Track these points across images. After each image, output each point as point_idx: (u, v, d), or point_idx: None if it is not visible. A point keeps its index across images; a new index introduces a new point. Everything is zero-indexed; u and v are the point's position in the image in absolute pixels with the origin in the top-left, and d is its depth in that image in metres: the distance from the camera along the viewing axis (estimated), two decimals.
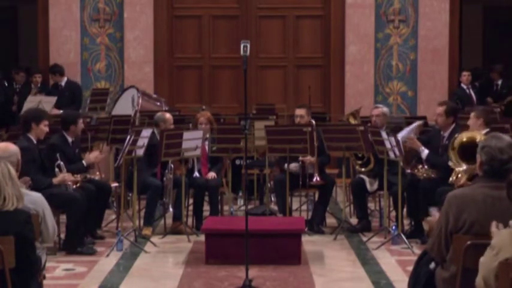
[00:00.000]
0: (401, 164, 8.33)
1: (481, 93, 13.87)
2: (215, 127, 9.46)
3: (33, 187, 7.04)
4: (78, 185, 8.09)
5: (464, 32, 15.35)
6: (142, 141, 8.44)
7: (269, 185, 9.96)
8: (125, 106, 11.56)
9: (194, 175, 9.17)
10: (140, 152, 8.46)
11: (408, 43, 13.52)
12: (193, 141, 8.77)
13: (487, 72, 14.93)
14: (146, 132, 8.55)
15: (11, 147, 5.51)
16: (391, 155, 8.30)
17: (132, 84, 12.47)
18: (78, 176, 8.13)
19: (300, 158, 9.09)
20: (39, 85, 13.38)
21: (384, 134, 8.40)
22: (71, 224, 7.94)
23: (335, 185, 9.43)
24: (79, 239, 7.96)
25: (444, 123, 8.48)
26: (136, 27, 13.44)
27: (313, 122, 9.43)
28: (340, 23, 13.47)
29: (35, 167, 7.75)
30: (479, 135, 7.22)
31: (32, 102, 12.08)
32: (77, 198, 7.93)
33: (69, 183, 7.99)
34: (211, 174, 9.27)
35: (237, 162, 10.49)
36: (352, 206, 10.03)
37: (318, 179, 9.04)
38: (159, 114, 9.59)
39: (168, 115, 9.53)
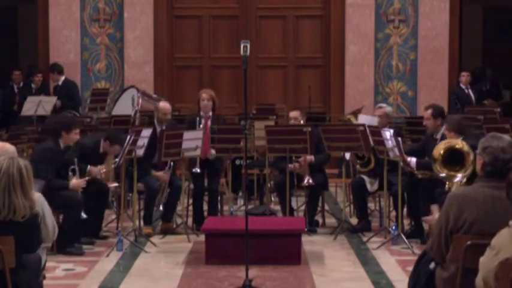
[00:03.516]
0: (401, 164, 8.34)
1: (479, 93, 13.90)
2: (218, 106, 9.41)
3: (50, 188, 7.35)
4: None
5: (464, 32, 15.36)
6: (142, 141, 8.45)
7: (269, 185, 9.96)
8: (125, 106, 11.57)
9: (194, 170, 9.07)
10: (140, 152, 8.46)
11: (408, 43, 13.53)
12: (193, 141, 8.76)
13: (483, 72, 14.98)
14: (146, 132, 8.55)
15: (8, 147, 5.49)
16: (391, 155, 8.31)
17: (132, 84, 12.48)
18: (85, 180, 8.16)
19: (299, 160, 9.09)
20: (39, 85, 13.41)
21: (384, 134, 8.39)
22: (66, 224, 7.90)
23: (326, 185, 9.39)
24: (70, 240, 7.93)
25: (433, 126, 8.53)
26: (137, 27, 13.45)
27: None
28: (340, 23, 13.48)
29: (53, 169, 7.91)
30: (456, 142, 7.34)
31: (32, 102, 12.10)
32: (77, 199, 7.92)
33: (80, 190, 8.04)
34: (212, 152, 9.14)
35: (237, 162, 10.49)
36: (352, 206, 10.03)
37: (311, 181, 9.01)
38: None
39: (161, 104, 9.41)
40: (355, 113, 10.57)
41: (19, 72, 14.36)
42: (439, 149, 7.33)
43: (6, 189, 4.71)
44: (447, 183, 7.41)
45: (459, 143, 7.23)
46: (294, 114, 9.46)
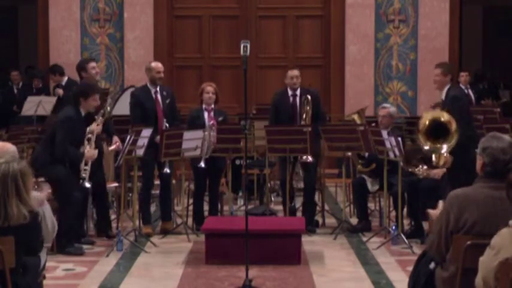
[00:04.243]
0: (401, 164, 8.34)
1: (478, 93, 13.91)
2: (219, 99, 9.39)
3: (67, 157, 7.70)
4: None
5: (464, 32, 15.36)
6: (142, 141, 8.43)
7: (269, 185, 9.96)
8: (125, 106, 11.55)
9: (198, 165, 8.99)
10: (140, 152, 8.45)
11: (408, 43, 13.53)
12: (193, 141, 8.76)
13: (485, 73, 15.00)
14: (146, 132, 8.54)
15: (9, 147, 5.48)
16: (391, 155, 8.31)
17: (132, 84, 12.47)
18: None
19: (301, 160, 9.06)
20: (40, 86, 13.45)
21: (384, 134, 8.40)
22: (64, 224, 7.88)
23: (318, 164, 9.35)
24: (68, 240, 7.92)
25: (441, 82, 8.19)
26: (137, 27, 13.45)
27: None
28: (340, 23, 13.48)
29: (70, 138, 7.88)
30: (441, 114, 7.39)
31: (32, 102, 12.11)
32: (78, 199, 7.92)
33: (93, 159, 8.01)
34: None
35: (237, 162, 10.49)
36: (352, 206, 10.03)
37: (310, 158, 8.95)
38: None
39: (153, 63, 9.31)
40: (359, 113, 10.55)
41: (17, 72, 14.39)
42: (426, 118, 7.36)
43: (1, 199, 4.66)
44: (433, 157, 7.45)
45: (444, 116, 7.29)
46: (294, 72, 9.23)
